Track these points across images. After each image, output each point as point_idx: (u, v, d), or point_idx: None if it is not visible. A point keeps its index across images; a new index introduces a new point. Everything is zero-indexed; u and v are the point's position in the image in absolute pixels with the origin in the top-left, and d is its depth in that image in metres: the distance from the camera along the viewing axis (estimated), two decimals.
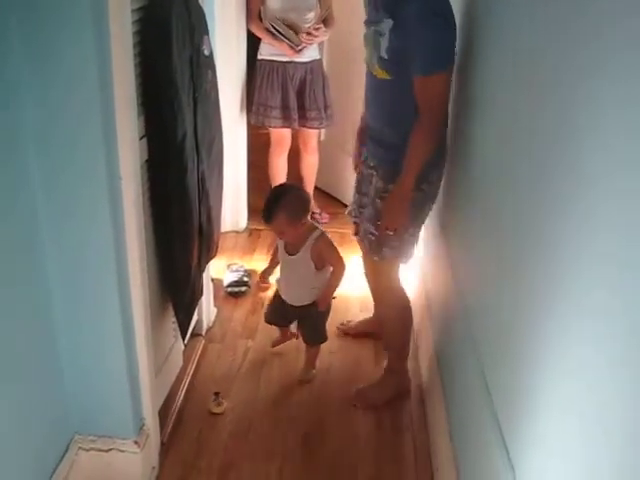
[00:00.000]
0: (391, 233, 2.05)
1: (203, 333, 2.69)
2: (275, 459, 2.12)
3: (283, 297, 2.46)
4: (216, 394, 2.33)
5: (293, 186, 2.43)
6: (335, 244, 2.37)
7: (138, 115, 1.65)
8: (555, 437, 1.03)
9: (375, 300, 2.53)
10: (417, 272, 2.90)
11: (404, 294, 2.35)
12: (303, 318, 2.50)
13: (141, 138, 1.70)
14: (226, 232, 3.33)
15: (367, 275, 2.45)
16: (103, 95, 1.46)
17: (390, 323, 2.42)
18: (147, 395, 1.91)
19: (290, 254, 2.34)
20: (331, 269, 2.36)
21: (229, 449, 2.12)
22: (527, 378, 1.17)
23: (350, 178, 3.98)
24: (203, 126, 2.04)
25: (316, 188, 4.06)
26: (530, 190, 1.24)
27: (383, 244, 2.13)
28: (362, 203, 2.27)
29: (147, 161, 1.76)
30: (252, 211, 3.72)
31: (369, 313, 2.82)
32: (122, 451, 1.88)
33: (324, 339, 2.52)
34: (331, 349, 2.64)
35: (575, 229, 0.99)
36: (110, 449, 1.88)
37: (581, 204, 0.97)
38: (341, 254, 2.37)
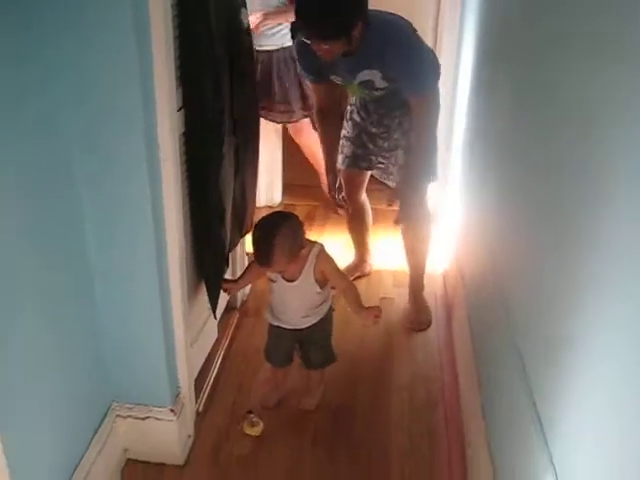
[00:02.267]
0: None
1: (238, 306, 2.72)
2: (307, 432, 2.14)
3: (282, 324, 2.11)
4: (249, 412, 2.16)
5: (279, 217, 1.97)
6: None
7: (176, 87, 1.65)
8: (591, 413, 1.02)
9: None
10: (450, 243, 2.88)
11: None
12: (307, 341, 2.17)
13: (179, 110, 1.70)
14: (261, 207, 3.33)
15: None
16: (142, 65, 1.46)
17: (425, 242, 2.65)
18: (183, 364, 1.93)
19: (289, 280, 2.01)
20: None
21: (262, 420, 2.14)
22: (564, 352, 1.16)
23: None
24: (240, 99, 2.04)
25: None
26: (577, 172, 1.21)
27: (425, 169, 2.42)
28: (385, 157, 2.57)
29: (184, 133, 1.77)
30: (287, 186, 3.73)
31: (403, 288, 2.82)
32: (158, 419, 1.91)
33: (334, 358, 2.23)
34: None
35: (625, 214, 0.96)
36: (147, 417, 1.91)
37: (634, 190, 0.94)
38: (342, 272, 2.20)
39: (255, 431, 2.11)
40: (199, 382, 2.19)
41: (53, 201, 1.49)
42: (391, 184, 2.60)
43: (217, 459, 2.03)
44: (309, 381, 2.28)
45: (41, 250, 1.45)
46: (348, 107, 2.61)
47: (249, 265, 2.21)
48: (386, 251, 3.16)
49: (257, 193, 2.53)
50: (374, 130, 2.55)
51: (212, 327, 2.37)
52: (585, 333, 1.06)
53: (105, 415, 1.87)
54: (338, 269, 2.09)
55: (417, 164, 2.40)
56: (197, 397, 2.16)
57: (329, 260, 2.04)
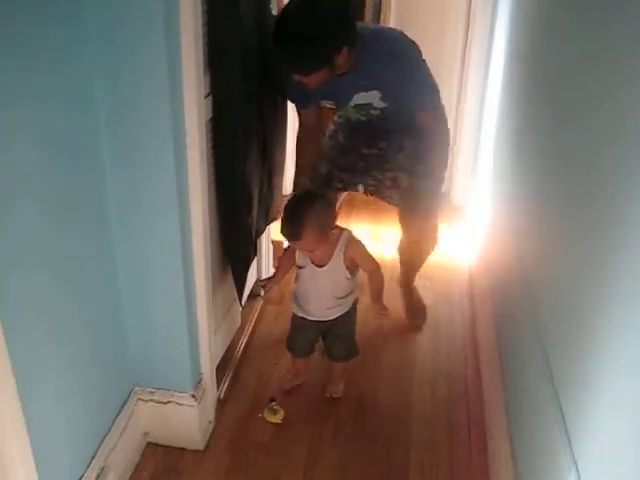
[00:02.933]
0: None
1: (262, 294, 2.72)
2: (328, 422, 2.14)
3: (307, 316, 2.11)
4: (271, 400, 2.16)
5: (311, 196, 1.98)
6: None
7: (204, 73, 1.65)
8: (616, 410, 1.00)
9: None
10: (477, 237, 2.86)
11: None
12: (332, 334, 2.17)
13: (206, 96, 1.70)
14: (287, 195, 3.32)
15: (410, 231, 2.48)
16: (170, 51, 1.46)
17: (428, 251, 2.54)
18: (206, 351, 1.94)
19: (319, 266, 2.00)
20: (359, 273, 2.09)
21: (283, 408, 2.14)
22: (589, 348, 1.14)
23: None
24: (267, 87, 2.03)
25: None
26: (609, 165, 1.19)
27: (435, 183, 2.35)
28: (376, 178, 2.38)
29: (211, 120, 1.77)
30: None
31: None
32: (180, 404, 1.92)
33: (357, 352, 2.22)
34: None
35: None
36: (168, 402, 1.93)
37: None
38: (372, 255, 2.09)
39: (276, 418, 2.11)
40: (221, 369, 2.19)
41: (78, 180, 1.50)
42: (390, 203, 2.43)
43: (237, 445, 2.04)
44: (332, 371, 2.28)
45: (64, 233, 1.46)
46: (331, 126, 2.44)
47: (281, 258, 2.21)
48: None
49: (284, 181, 2.53)
50: (365, 151, 2.36)
51: (235, 314, 2.38)
52: (612, 330, 1.04)
53: (127, 399, 1.88)
54: (368, 253, 2.05)
55: (430, 187, 2.34)
56: (219, 384, 2.17)
57: (359, 245, 2.02)
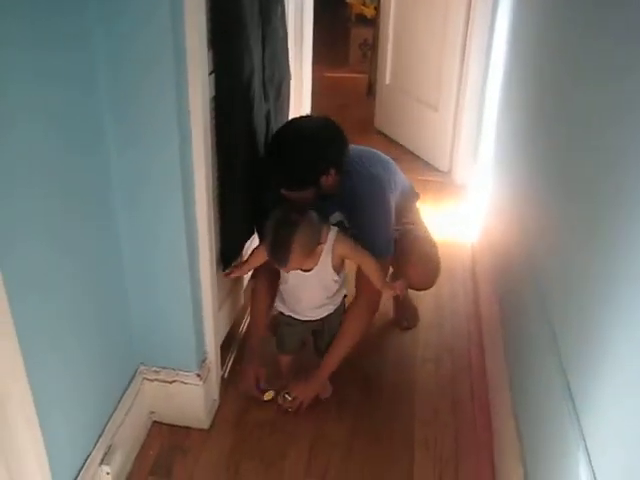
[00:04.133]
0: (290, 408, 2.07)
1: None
2: (332, 400, 2.15)
3: (295, 315, 2.08)
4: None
5: (297, 214, 1.83)
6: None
7: (207, 50, 1.63)
8: (625, 386, 1.00)
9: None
10: (480, 216, 2.85)
11: None
12: (321, 330, 2.13)
13: (210, 74, 1.68)
14: None
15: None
16: (174, 27, 1.44)
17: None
18: (210, 330, 1.94)
19: (305, 270, 1.95)
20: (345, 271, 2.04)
21: (288, 387, 2.15)
22: (596, 323, 1.14)
23: (414, 124, 3.95)
24: (271, 64, 2.02)
25: (379, 132, 4.02)
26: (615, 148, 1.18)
27: None
28: None
29: (214, 97, 1.75)
30: None
31: None
32: (185, 383, 1.93)
33: None
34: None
35: None
36: (173, 381, 1.93)
37: None
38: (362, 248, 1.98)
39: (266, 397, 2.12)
40: (225, 348, 2.20)
41: (83, 161, 1.49)
42: None
43: (242, 424, 2.05)
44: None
45: (68, 210, 1.45)
46: None
47: (254, 250, 2.06)
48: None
49: None
50: None
51: (239, 294, 2.38)
52: (620, 302, 1.04)
53: (132, 378, 1.89)
54: (357, 247, 1.95)
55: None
56: (223, 363, 2.17)
57: (346, 242, 1.94)
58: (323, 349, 2.13)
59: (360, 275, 2.07)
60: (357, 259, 1.99)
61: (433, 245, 2.34)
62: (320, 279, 1.98)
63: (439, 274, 2.34)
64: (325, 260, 1.93)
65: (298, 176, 1.90)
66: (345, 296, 2.13)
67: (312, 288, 2.00)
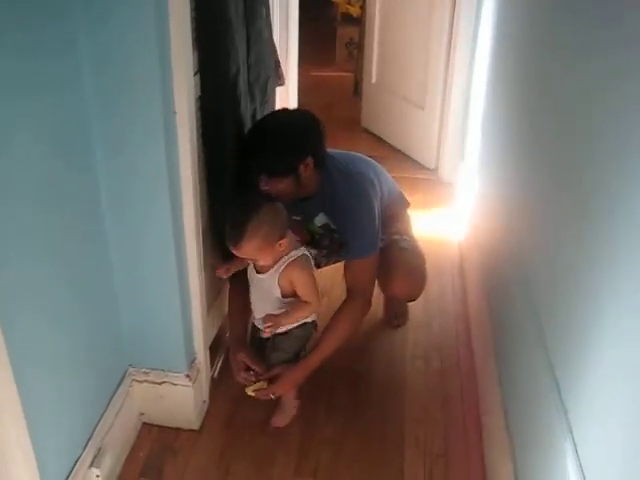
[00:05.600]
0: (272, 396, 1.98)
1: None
2: (321, 399, 2.15)
3: (255, 322, 2.00)
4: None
5: (263, 199, 1.80)
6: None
7: (192, 50, 1.63)
8: (611, 380, 1.01)
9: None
10: (467, 213, 2.86)
11: None
12: (271, 345, 2.00)
13: (195, 74, 1.68)
14: None
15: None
16: (159, 28, 1.44)
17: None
18: (199, 331, 1.94)
19: (258, 272, 1.87)
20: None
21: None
22: (583, 318, 1.15)
23: (400, 122, 3.96)
24: (256, 64, 2.02)
25: (365, 131, 4.02)
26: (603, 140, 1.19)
27: None
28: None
29: (200, 97, 1.75)
30: None
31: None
32: (174, 384, 1.92)
33: (303, 354, 2.02)
34: (378, 291, 2.58)
35: None
36: (163, 382, 1.92)
37: None
38: (317, 289, 1.89)
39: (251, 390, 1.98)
40: (214, 349, 2.19)
41: (69, 166, 1.48)
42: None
43: (232, 424, 2.05)
44: (283, 396, 2.04)
45: (56, 213, 1.44)
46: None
47: None
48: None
49: None
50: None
51: (227, 294, 2.37)
52: (605, 298, 1.05)
53: (122, 380, 1.88)
54: (311, 279, 1.86)
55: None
56: (212, 364, 2.17)
57: (302, 271, 1.83)
58: (270, 359, 1.99)
59: (352, 275, 2.06)
60: (301, 293, 1.85)
61: (419, 257, 2.30)
62: (266, 288, 1.87)
63: (424, 286, 2.33)
64: (275, 271, 1.82)
65: (276, 160, 1.89)
66: (314, 325, 1.99)
67: (258, 294, 1.92)
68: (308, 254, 1.89)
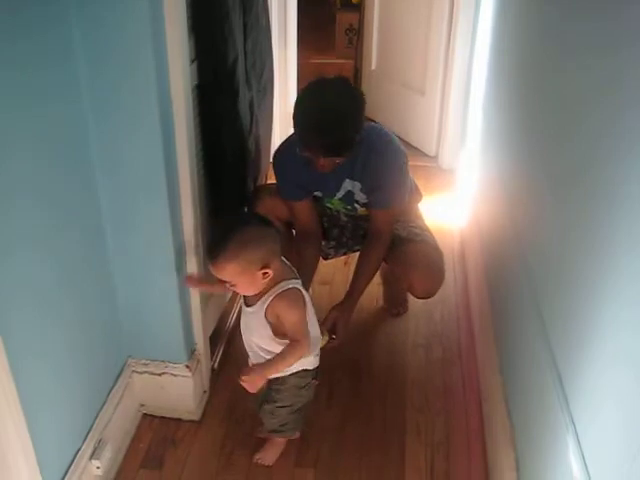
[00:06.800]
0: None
1: None
2: (323, 388, 2.13)
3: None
4: None
5: (255, 219, 1.63)
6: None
7: (188, 38, 1.61)
8: (612, 369, 1.00)
9: None
10: (468, 200, 2.85)
11: None
12: (264, 395, 1.79)
13: (191, 62, 1.66)
14: None
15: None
16: (154, 14, 1.41)
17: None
18: (198, 321, 1.93)
19: (247, 304, 1.66)
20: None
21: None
22: (584, 306, 1.14)
23: (401, 109, 3.94)
24: (254, 51, 2.00)
25: (365, 118, 3.99)
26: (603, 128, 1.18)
27: None
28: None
29: (197, 86, 1.73)
30: None
31: None
32: (174, 375, 1.92)
33: (292, 430, 1.85)
34: (378, 280, 2.57)
35: None
36: (163, 373, 1.92)
37: None
38: (305, 329, 1.64)
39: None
40: (214, 339, 2.19)
41: (65, 153, 1.47)
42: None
43: (232, 415, 2.04)
44: (268, 441, 1.91)
45: (54, 206, 1.43)
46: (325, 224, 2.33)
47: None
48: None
49: (272, 147, 2.49)
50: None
51: None
52: (607, 286, 1.04)
53: (121, 371, 1.88)
54: (298, 322, 1.62)
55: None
56: (212, 354, 2.16)
57: (290, 305, 1.61)
58: (266, 423, 1.85)
59: (376, 224, 2.11)
60: (287, 327, 1.62)
61: (439, 253, 2.23)
62: (255, 324, 1.65)
63: (442, 283, 2.23)
64: (262, 305, 1.61)
65: (349, 141, 1.84)
66: (314, 373, 1.80)
67: (248, 329, 1.71)
68: (300, 287, 1.65)
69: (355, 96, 1.88)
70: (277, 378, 1.73)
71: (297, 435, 1.91)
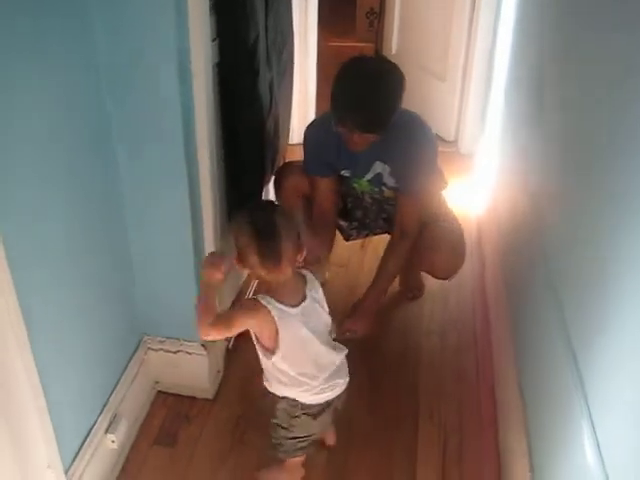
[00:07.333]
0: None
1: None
2: None
3: (316, 394, 1.65)
4: None
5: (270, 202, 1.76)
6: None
7: (210, 16, 1.60)
8: (629, 354, 0.99)
9: None
10: (486, 188, 2.83)
11: None
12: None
13: (213, 40, 1.65)
14: (294, 144, 3.28)
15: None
16: None
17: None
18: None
19: (292, 305, 1.50)
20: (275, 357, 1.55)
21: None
22: (603, 292, 1.13)
23: (421, 93, 3.91)
24: (275, 30, 1.99)
25: None
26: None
27: None
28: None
29: (218, 64, 1.72)
30: None
31: None
32: (189, 353, 1.93)
33: (278, 451, 1.69)
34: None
35: None
36: (178, 351, 1.93)
37: None
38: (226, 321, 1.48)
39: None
40: None
41: (85, 136, 1.47)
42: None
43: (246, 394, 2.05)
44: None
45: (72, 185, 1.44)
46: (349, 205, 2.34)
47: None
48: None
49: (290, 128, 2.49)
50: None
51: None
52: (627, 272, 1.02)
53: (137, 348, 1.89)
54: (234, 311, 1.57)
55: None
56: None
57: (241, 305, 1.62)
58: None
59: (402, 214, 2.11)
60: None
61: (461, 234, 2.23)
62: (321, 313, 1.58)
63: (462, 265, 2.23)
64: (314, 293, 1.56)
65: (386, 119, 1.83)
66: (297, 404, 1.64)
67: (317, 327, 1.57)
68: (269, 306, 1.46)
69: (396, 75, 1.86)
70: (275, 394, 1.66)
71: (288, 461, 1.73)
